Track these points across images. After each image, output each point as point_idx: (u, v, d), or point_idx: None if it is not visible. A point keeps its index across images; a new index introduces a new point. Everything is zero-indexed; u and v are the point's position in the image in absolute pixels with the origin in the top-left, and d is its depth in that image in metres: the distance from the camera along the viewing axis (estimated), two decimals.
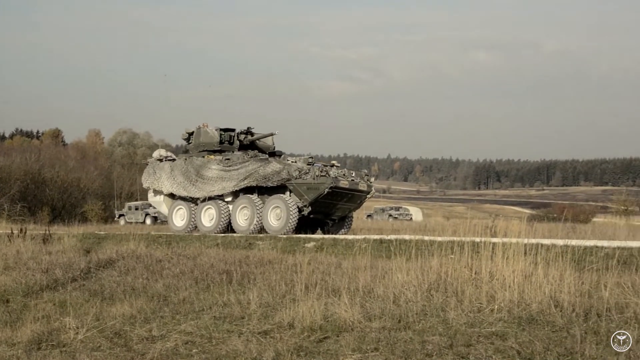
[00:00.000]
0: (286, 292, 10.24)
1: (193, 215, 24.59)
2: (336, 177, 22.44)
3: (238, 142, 25.54)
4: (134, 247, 16.22)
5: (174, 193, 24.79)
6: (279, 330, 8.24)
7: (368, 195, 23.86)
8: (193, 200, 24.71)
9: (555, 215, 48.56)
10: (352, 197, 23.24)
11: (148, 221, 49.58)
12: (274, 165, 23.04)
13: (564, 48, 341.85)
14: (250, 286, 10.93)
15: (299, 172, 22.45)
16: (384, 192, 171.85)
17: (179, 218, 25.05)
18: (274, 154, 24.83)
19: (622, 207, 54.41)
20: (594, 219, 50.85)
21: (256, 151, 24.94)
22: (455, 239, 12.59)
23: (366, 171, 24.63)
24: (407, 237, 19.17)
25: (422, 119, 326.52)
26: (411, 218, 65.44)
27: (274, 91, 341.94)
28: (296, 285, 10.02)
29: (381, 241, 17.39)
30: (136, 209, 51.64)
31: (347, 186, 22.66)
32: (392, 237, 19.19)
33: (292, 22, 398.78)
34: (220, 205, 23.98)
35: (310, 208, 22.61)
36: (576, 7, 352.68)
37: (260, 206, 23.04)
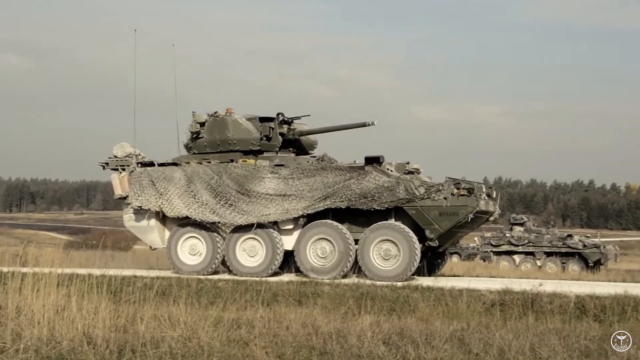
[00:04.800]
0: None
1: (220, 249, 17.62)
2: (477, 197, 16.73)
3: (280, 137, 18.47)
4: None
5: (194, 217, 17.56)
6: None
7: (491, 218, 18.18)
8: (213, 226, 17.78)
9: (94, 241, 48.78)
10: (476, 221, 17.49)
11: None
12: (377, 178, 16.61)
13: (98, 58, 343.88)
14: None
15: (427, 189, 16.44)
16: None
17: (189, 252, 17.89)
18: (375, 159, 16.96)
19: None
20: (135, 246, 52.09)
21: (327, 154, 17.77)
22: None
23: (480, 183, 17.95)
24: None
25: None
26: None
27: None
28: None
29: None
30: None
31: (483, 208, 17.05)
32: None
33: None
34: (273, 235, 17.28)
35: (437, 242, 16.88)
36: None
37: (349, 238, 16.79)
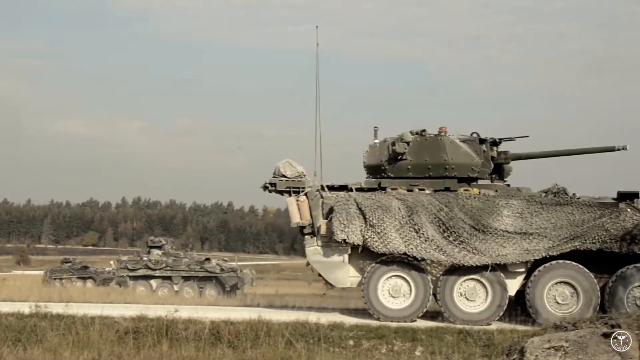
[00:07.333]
0: None
1: (432, 292, 15.73)
2: None
3: (490, 162, 16.82)
4: None
5: (414, 255, 15.49)
6: None
7: None
8: (423, 265, 15.74)
9: None
10: None
11: None
12: (636, 217, 15.34)
13: None
14: None
15: None
16: None
17: (390, 293, 15.74)
18: (632, 195, 15.76)
19: None
20: None
21: (557, 184, 16.36)
22: None
23: None
24: None
25: None
26: None
27: None
28: None
29: None
30: None
31: None
32: None
33: None
34: (502, 278, 15.65)
35: None
36: None
37: (591, 282, 15.50)
